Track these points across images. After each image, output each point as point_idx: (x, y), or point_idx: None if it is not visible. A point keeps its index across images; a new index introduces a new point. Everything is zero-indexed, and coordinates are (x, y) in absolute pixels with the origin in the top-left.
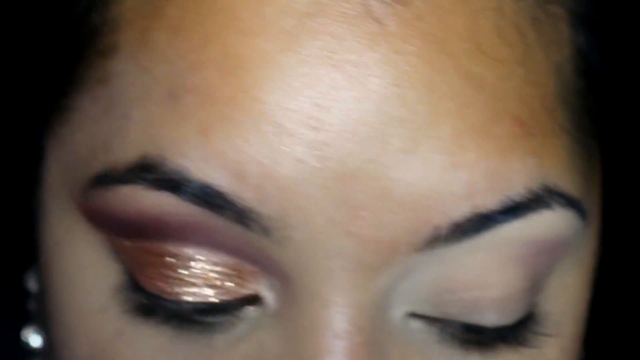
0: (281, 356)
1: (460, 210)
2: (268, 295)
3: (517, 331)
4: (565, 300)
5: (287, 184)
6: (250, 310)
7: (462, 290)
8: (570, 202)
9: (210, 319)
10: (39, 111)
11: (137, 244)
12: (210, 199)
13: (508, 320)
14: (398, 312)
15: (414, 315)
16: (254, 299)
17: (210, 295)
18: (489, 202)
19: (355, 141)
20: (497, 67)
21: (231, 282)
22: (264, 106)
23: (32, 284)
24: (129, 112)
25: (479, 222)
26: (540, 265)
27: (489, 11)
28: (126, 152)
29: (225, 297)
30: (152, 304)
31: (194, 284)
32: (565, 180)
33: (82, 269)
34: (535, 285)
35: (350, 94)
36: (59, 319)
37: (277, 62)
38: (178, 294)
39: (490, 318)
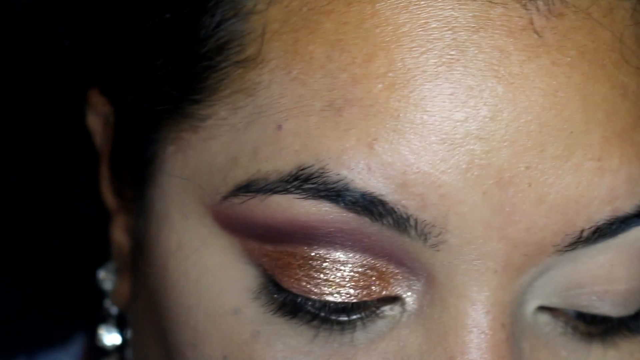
0: (424, 353)
1: (603, 214)
2: (408, 295)
3: (637, 321)
4: None
5: (449, 192)
6: (390, 309)
7: (591, 284)
8: None
9: (351, 317)
10: (157, 116)
11: (281, 248)
12: (372, 206)
13: (631, 310)
14: (530, 306)
15: (542, 308)
16: (394, 299)
17: (353, 294)
18: (628, 206)
19: (516, 150)
20: (637, 75)
21: (374, 284)
22: (430, 117)
23: (107, 284)
24: (282, 123)
25: (616, 225)
26: None
27: (630, 22)
28: (279, 162)
29: (367, 298)
30: (296, 304)
31: (339, 285)
32: None
33: (213, 272)
34: None
35: (513, 104)
36: (185, 321)
37: (443, 75)
38: (323, 294)
39: (616, 309)
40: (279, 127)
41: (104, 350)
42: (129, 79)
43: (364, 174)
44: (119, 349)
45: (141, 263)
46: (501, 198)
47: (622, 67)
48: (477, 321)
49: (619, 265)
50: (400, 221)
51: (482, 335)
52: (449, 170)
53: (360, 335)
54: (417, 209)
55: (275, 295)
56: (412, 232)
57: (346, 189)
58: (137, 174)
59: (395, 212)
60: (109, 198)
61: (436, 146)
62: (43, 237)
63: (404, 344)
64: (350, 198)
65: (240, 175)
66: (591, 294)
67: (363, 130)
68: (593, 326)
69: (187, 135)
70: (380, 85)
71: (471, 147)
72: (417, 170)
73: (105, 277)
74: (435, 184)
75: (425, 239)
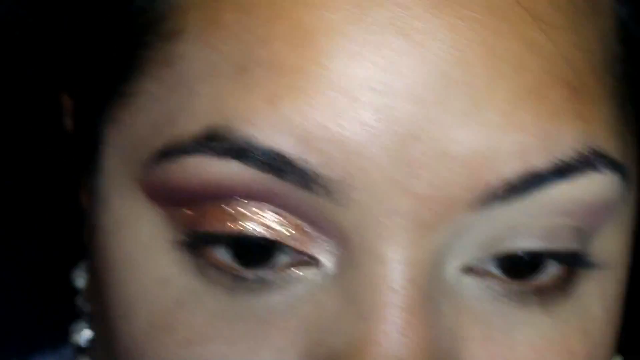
0: (340, 315)
1: (513, 169)
2: (326, 259)
3: (568, 282)
4: (607, 262)
5: (352, 147)
6: (308, 273)
7: (512, 236)
8: (615, 166)
9: (269, 280)
10: (99, 99)
11: (199, 210)
12: (276, 163)
13: (556, 244)
14: (451, 268)
15: (466, 270)
16: (311, 262)
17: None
18: (540, 162)
19: (418, 104)
20: (550, 33)
21: (292, 245)
22: (330, 73)
23: (79, 282)
24: (196, 89)
25: (530, 182)
26: (586, 224)
27: None
28: (191, 125)
29: (285, 261)
30: (217, 267)
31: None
32: (610, 144)
33: (144, 245)
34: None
35: (414, 58)
36: (118, 296)
37: (343, 31)
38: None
39: (538, 243)
40: (194, 92)
41: (81, 348)
42: (73, 70)
43: (267, 131)
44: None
45: (91, 251)
46: (404, 152)
47: (532, 23)
48: (389, 280)
49: (539, 218)
50: (304, 178)
51: (395, 295)
52: (351, 126)
53: (278, 299)
54: (321, 165)
55: (198, 261)
56: (318, 190)
57: (251, 146)
58: (89, 164)
59: (298, 168)
60: (82, 196)
61: (337, 102)
62: (34, 238)
63: (321, 308)
64: (255, 155)
65: (159, 142)
66: (513, 238)
67: (267, 89)
68: (522, 286)
69: (121, 114)
70: (283, 45)
71: (372, 101)
72: (319, 125)
73: (79, 275)
74: (337, 139)
75: (332, 197)
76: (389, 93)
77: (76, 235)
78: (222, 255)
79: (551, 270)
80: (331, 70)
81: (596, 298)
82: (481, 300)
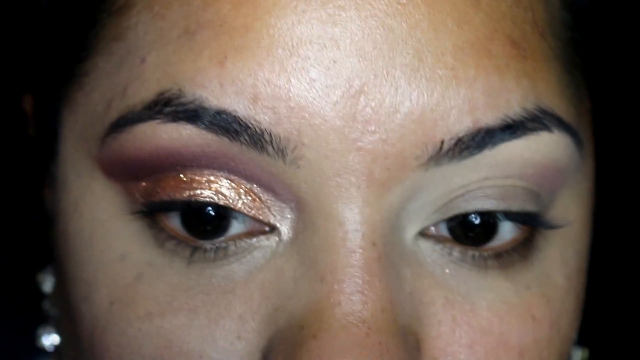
0: (298, 279)
1: (463, 125)
2: (282, 224)
3: (527, 246)
4: (567, 233)
5: (300, 103)
6: (266, 240)
7: (466, 197)
8: (565, 126)
9: (227, 248)
10: (56, 85)
11: (154, 180)
12: (227, 125)
13: (510, 205)
14: (410, 233)
15: (424, 235)
16: (267, 229)
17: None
18: (489, 118)
19: (366, 59)
20: None
21: (247, 211)
22: (277, 31)
23: (46, 286)
24: (145, 58)
25: (480, 138)
26: (542, 188)
27: None
28: (143, 93)
29: (240, 230)
30: (174, 239)
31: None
32: (557, 104)
33: (104, 223)
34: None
35: (357, 13)
36: (79, 277)
37: None
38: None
39: (493, 203)
40: (143, 61)
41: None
42: (31, 60)
43: (217, 92)
44: (58, 349)
45: (54, 247)
46: (353, 108)
47: None
48: (345, 240)
49: (493, 179)
50: (255, 137)
51: (351, 254)
52: (299, 82)
53: (237, 268)
54: (271, 123)
55: (156, 234)
56: (270, 149)
57: (201, 108)
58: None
59: (249, 127)
60: (45, 196)
61: (283, 59)
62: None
63: (280, 273)
64: (206, 117)
65: (112, 116)
66: (468, 200)
67: (214, 50)
68: (481, 251)
69: (76, 94)
70: (228, 6)
71: (319, 57)
72: (266, 83)
73: (45, 279)
74: (285, 96)
75: (284, 155)
76: (336, 49)
77: (42, 239)
78: (179, 227)
79: (509, 234)
80: (278, 28)
81: (557, 266)
82: (441, 265)
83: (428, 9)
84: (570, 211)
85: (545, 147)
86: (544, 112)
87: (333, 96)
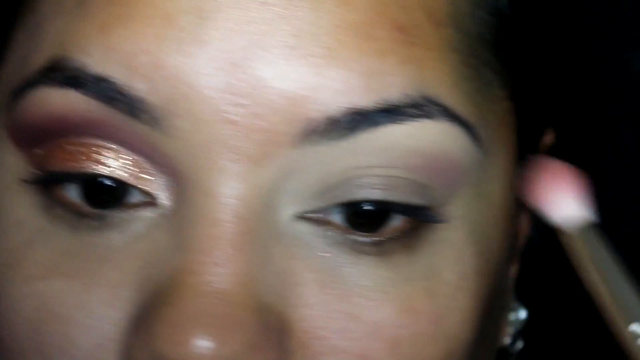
0: (169, 250)
1: (336, 105)
2: (164, 196)
3: (412, 237)
4: (470, 232)
5: (173, 73)
6: (147, 211)
7: (353, 186)
8: (454, 117)
9: (109, 215)
10: None
11: (48, 148)
12: (106, 91)
13: (396, 196)
14: (286, 213)
15: (303, 218)
16: (151, 200)
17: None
18: (364, 100)
19: (238, 30)
20: None
21: (132, 179)
22: (155, 1)
23: None
24: (45, 26)
25: (354, 120)
26: (433, 182)
27: None
28: (38, 59)
29: (123, 179)
30: (62, 204)
31: (100, 175)
32: (449, 94)
33: (6, 189)
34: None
35: None
36: None
37: None
38: (78, 167)
39: (379, 194)
40: (43, 31)
41: None
42: None
43: (98, 58)
44: None
45: None
46: (225, 80)
47: None
48: (213, 212)
49: (376, 169)
50: (131, 105)
51: (217, 226)
52: (171, 51)
53: (117, 236)
54: (146, 91)
55: (47, 200)
56: (145, 118)
57: (84, 73)
58: None
59: (125, 95)
60: None
61: (161, 28)
62: None
63: (156, 244)
64: (88, 83)
65: (16, 82)
66: (348, 187)
67: (99, 17)
68: (362, 236)
69: (0, 73)
70: None
71: (195, 29)
72: (144, 52)
73: None
74: (159, 64)
75: (159, 125)
76: (207, 18)
77: None
78: (73, 194)
79: (394, 223)
80: None
81: (449, 262)
82: (319, 249)
83: None
84: (472, 210)
85: (430, 136)
86: (429, 99)
87: (206, 67)
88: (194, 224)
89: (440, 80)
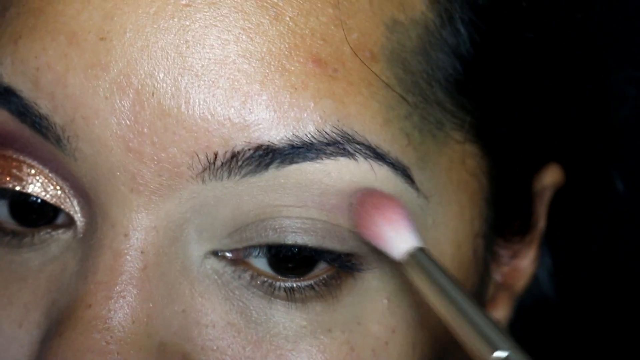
0: (73, 275)
1: (241, 140)
2: (78, 218)
3: (330, 286)
4: (400, 282)
5: (74, 93)
6: (63, 233)
7: (258, 223)
8: (381, 157)
9: (27, 236)
10: None
11: None
12: (15, 105)
13: (311, 241)
14: (199, 249)
15: (216, 254)
16: (68, 221)
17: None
18: (272, 135)
19: (138, 55)
20: (300, 2)
21: (50, 198)
22: (62, 17)
23: None
24: None
25: (261, 155)
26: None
27: None
28: None
29: (41, 196)
30: None
31: (13, 177)
32: (375, 134)
33: None
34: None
35: (138, 8)
36: None
37: None
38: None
39: (291, 237)
40: None
41: None
42: None
43: (8, 69)
44: None
45: None
46: (124, 105)
47: None
48: (113, 242)
49: (289, 207)
50: (36, 121)
51: (116, 258)
52: (74, 70)
53: (35, 256)
54: (49, 109)
55: None
56: (50, 136)
57: None
58: None
59: (30, 111)
60: None
61: (64, 45)
62: None
63: (65, 268)
64: (0, 95)
65: None
66: (263, 227)
67: (13, 28)
68: (281, 279)
69: None
70: None
71: (94, 48)
72: (47, 67)
73: None
74: (62, 82)
75: (62, 146)
76: (109, 39)
77: None
78: (5, 211)
79: (317, 269)
80: (64, 15)
81: (376, 314)
82: (229, 289)
83: (214, 14)
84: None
85: (351, 176)
86: (348, 137)
87: (106, 90)
88: (97, 253)
89: (366, 118)
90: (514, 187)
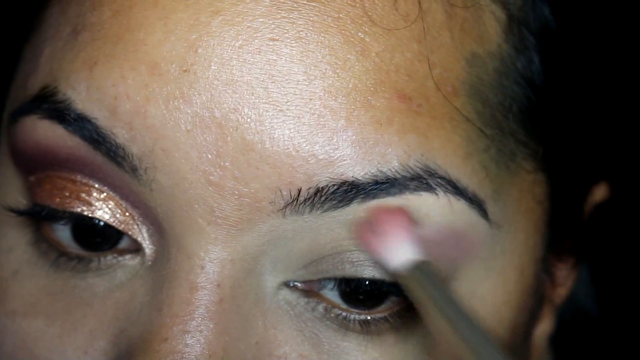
0: (144, 305)
1: (325, 175)
2: (147, 245)
3: (405, 319)
4: (476, 311)
5: (154, 124)
6: (131, 259)
7: (339, 253)
8: (460, 192)
9: (94, 262)
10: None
11: (39, 177)
12: (88, 132)
13: (387, 275)
14: (273, 281)
15: (289, 286)
16: (136, 248)
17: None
18: (357, 171)
19: (222, 89)
20: (386, 37)
21: (117, 224)
22: (143, 46)
23: None
24: (43, 50)
25: (345, 191)
26: (435, 255)
27: None
28: (34, 85)
29: (110, 222)
30: (47, 241)
31: (82, 201)
32: (456, 167)
33: (4, 211)
34: None
35: (224, 42)
36: None
37: (161, 4)
38: (65, 204)
39: (368, 271)
40: (41, 54)
41: None
42: None
43: (83, 96)
44: None
45: None
46: (206, 138)
47: (364, 24)
48: (189, 274)
49: None
50: (112, 150)
51: (192, 291)
52: (155, 101)
53: (100, 282)
54: (127, 139)
55: (37, 233)
56: (125, 165)
57: (67, 110)
58: None
59: (106, 139)
60: None
61: (145, 75)
62: None
63: (134, 296)
64: (71, 120)
65: (14, 105)
66: (340, 260)
67: (89, 54)
68: (350, 312)
69: (11, 86)
70: (109, 12)
71: (177, 79)
72: (126, 97)
73: None
74: (142, 113)
75: (138, 176)
76: (192, 72)
77: None
78: (62, 234)
79: (388, 302)
80: (146, 44)
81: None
82: (302, 321)
83: (302, 50)
84: (480, 287)
85: (430, 209)
86: (432, 172)
87: (187, 123)
88: (171, 285)
89: (448, 151)
90: (572, 208)
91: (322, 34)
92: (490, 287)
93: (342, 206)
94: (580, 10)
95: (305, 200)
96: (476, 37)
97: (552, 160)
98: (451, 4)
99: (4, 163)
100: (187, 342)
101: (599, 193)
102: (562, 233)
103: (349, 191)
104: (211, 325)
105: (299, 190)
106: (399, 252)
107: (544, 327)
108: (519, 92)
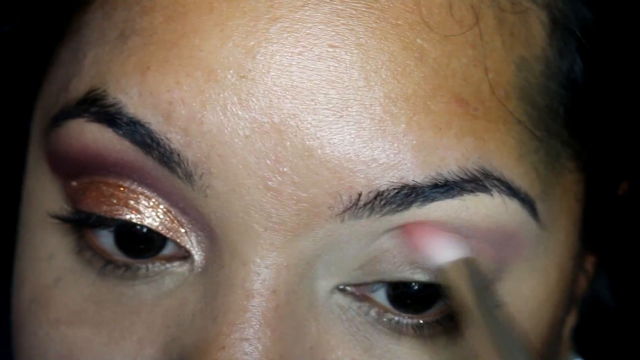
0: (196, 312)
1: (386, 180)
2: (197, 252)
3: (454, 320)
4: (519, 310)
5: (211, 130)
6: (179, 266)
7: (391, 259)
8: (513, 192)
9: (141, 270)
10: (32, 75)
11: (83, 182)
12: (140, 136)
13: (435, 278)
14: (326, 285)
15: (343, 290)
16: (184, 255)
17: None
18: (417, 175)
19: (282, 94)
20: (443, 43)
21: (165, 231)
22: (199, 52)
23: None
24: (87, 53)
25: (405, 195)
26: (484, 257)
27: None
28: (79, 88)
29: (158, 229)
30: (92, 249)
31: (130, 208)
32: (510, 169)
33: (42, 217)
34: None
35: (283, 48)
36: (16, 269)
37: (217, 10)
38: (112, 211)
39: (420, 275)
40: (84, 57)
41: None
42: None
43: (135, 100)
44: None
45: None
46: (265, 144)
47: (422, 31)
48: (245, 282)
49: None
50: (165, 155)
51: (248, 298)
52: (212, 107)
53: (147, 289)
54: (182, 144)
55: (79, 240)
56: (179, 171)
57: (119, 113)
58: None
59: (160, 144)
60: None
61: (201, 80)
62: None
63: (184, 303)
64: (122, 124)
65: (56, 108)
66: (392, 261)
67: (140, 58)
68: (402, 317)
69: (44, 80)
70: (160, 17)
71: (238, 86)
72: (182, 102)
73: None
74: (198, 119)
75: (192, 181)
76: (250, 79)
77: None
78: (105, 240)
79: (439, 305)
80: (202, 50)
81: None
82: (356, 325)
83: (362, 56)
84: (523, 287)
85: (485, 210)
86: (488, 174)
87: (245, 129)
88: (226, 292)
89: (503, 153)
90: (605, 204)
91: (381, 41)
92: (532, 286)
93: (401, 210)
94: (618, 11)
95: (365, 205)
96: (524, 41)
97: (594, 160)
98: (502, 10)
99: (39, 169)
100: (246, 350)
101: (623, 188)
102: (594, 228)
103: (409, 195)
104: (268, 332)
105: (359, 195)
106: (446, 250)
107: (570, 321)
108: (564, 94)
